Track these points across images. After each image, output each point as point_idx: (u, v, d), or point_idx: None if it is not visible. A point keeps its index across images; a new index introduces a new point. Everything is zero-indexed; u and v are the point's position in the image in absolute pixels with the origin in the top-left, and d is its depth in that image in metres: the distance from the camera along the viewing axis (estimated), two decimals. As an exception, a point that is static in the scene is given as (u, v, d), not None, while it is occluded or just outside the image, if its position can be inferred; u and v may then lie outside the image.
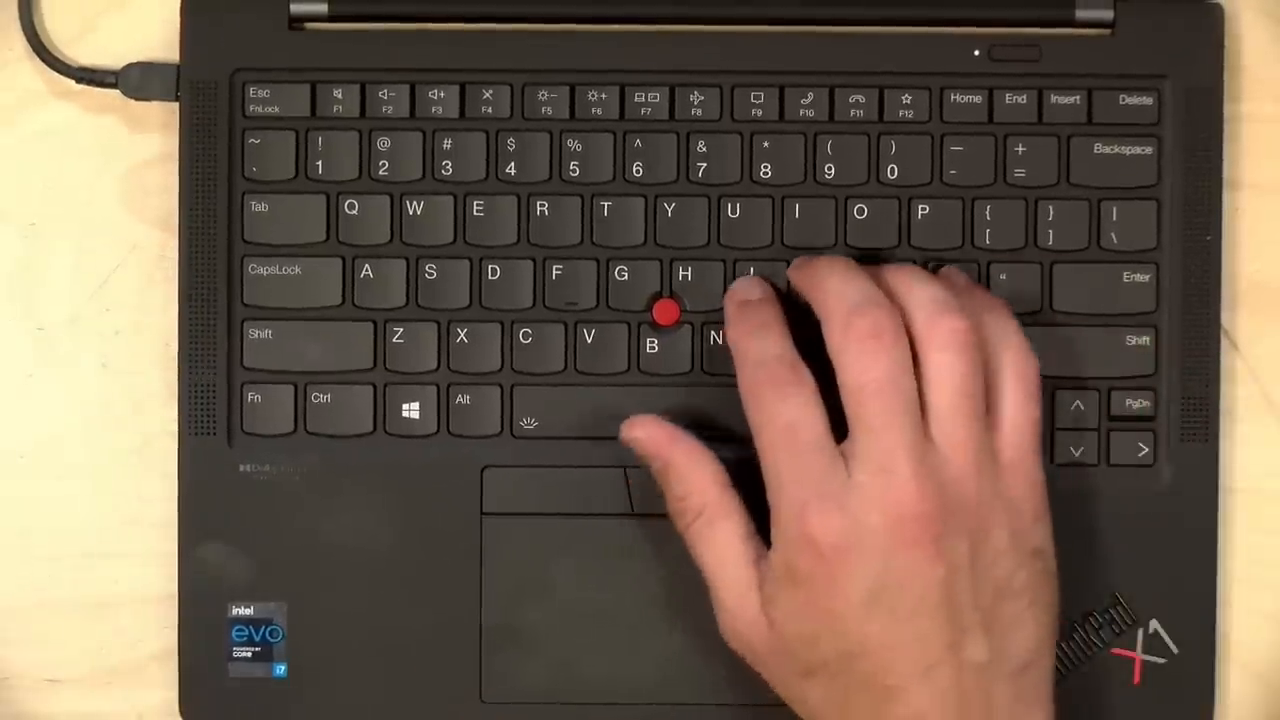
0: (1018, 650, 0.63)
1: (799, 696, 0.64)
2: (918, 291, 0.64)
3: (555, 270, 0.69)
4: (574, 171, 0.69)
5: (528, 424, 0.69)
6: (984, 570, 0.63)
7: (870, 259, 0.69)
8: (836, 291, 0.64)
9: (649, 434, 0.66)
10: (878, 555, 0.62)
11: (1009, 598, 0.63)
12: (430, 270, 0.69)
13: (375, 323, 0.69)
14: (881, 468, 0.62)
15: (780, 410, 0.63)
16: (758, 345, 0.65)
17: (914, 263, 0.69)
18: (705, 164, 0.69)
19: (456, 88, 0.69)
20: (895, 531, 0.62)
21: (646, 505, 0.69)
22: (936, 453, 0.62)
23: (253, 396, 0.69)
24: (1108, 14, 0.69)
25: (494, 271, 0.69)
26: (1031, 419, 0.64)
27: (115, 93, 0.70)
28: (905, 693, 0.62)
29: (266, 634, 0.69)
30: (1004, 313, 0.66)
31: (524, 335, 0.69)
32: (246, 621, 0.69)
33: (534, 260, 0.69)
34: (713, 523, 0.65)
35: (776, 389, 0.64)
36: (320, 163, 0.69)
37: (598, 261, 0.69)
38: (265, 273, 0.69)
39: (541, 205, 0.69)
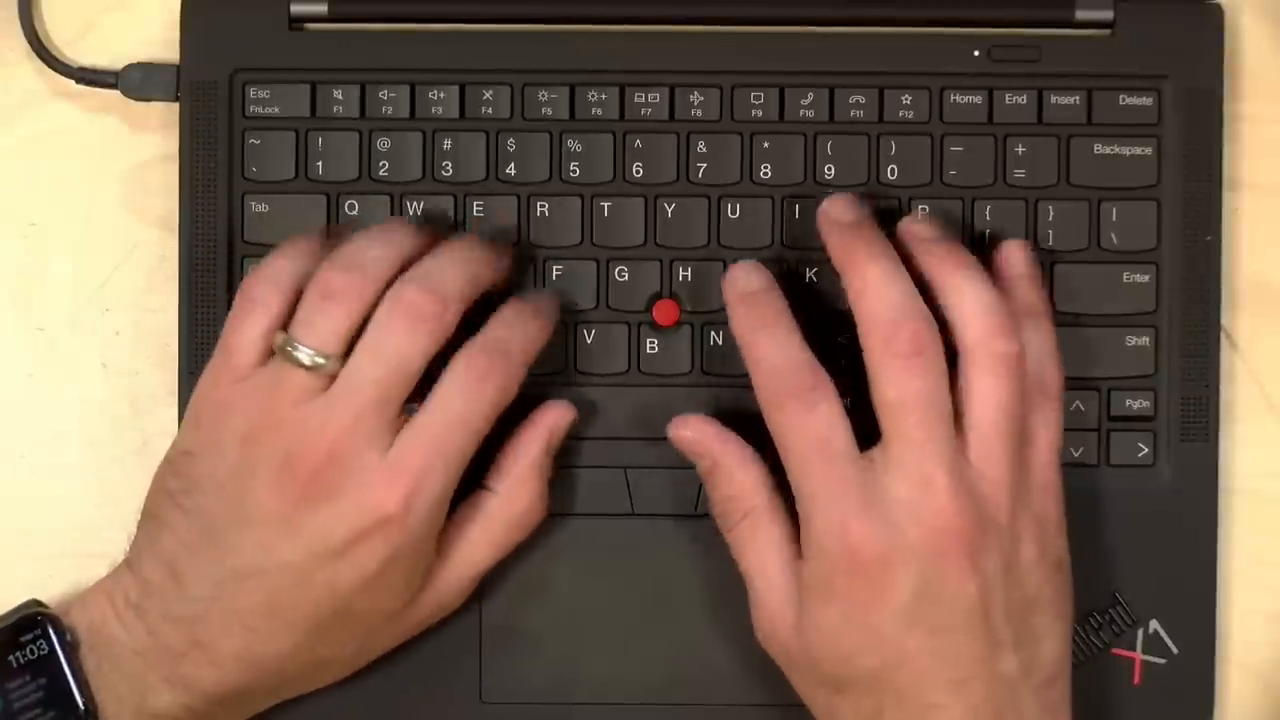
0: (1044, 663, 0.63)
1: (827, 710, 0.64)
2: (969, 299, 0.64)
3: (555, 270, 0.69)
4: (574, 171, 0.69)
5: (528, 424, 0.69)
6: (1015, 584, 0.63)
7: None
8: (876, 292, 0.63)
9: (698, 433, 0.66)
10: (916, 569, 0.62)
11: (1037, 611, 0.63)
12: (430, 270, 0.69)
13: (375, 323, 0.69)
14: (920, 481, 0.62)
15: (809, 422, 0.63)
16: (772, 348, 0.64)
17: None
18: (705, 164, 0.69)
19: (456, 88, 0.70)
20: (933, 545, 0.61)
21: (646, 505, 0.69)
22: (972, 468, 0.62)
23: (253, 396, 0.69)
24: (1107, 14, 0.69)
25: (494, 271, 0.69)
26: (1059, 437, 0.65)
27: (115, 93, 0.70)
28: (940, 707, 0.62)
29: (267, 634, 0.69)
30: (1042, 319, 0.65)
31: (524, 335, 0.69)
32: (246, 621, 0.69)
33: (535, 260, 0.69)
34: (759, 526, 0.65)
35: (801, 399, 0.63)
36: (320, 163, 0.69)
37: (598, 261, 0.69)
38: (265, 273, 0.69)
39: (541, 205, 0.69)
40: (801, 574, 0.63)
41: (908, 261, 0.65)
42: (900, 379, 0.62)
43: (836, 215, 0.66)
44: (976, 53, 0.70)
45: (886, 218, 0.69)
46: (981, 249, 0.69)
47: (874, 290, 0.63)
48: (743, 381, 0.68)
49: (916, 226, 0.66)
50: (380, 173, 0.69)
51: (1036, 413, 0.64)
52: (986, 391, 0.63)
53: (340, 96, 0.69)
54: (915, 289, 0.63)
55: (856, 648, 0.62)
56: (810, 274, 0.69)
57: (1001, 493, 0.63)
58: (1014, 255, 0.67)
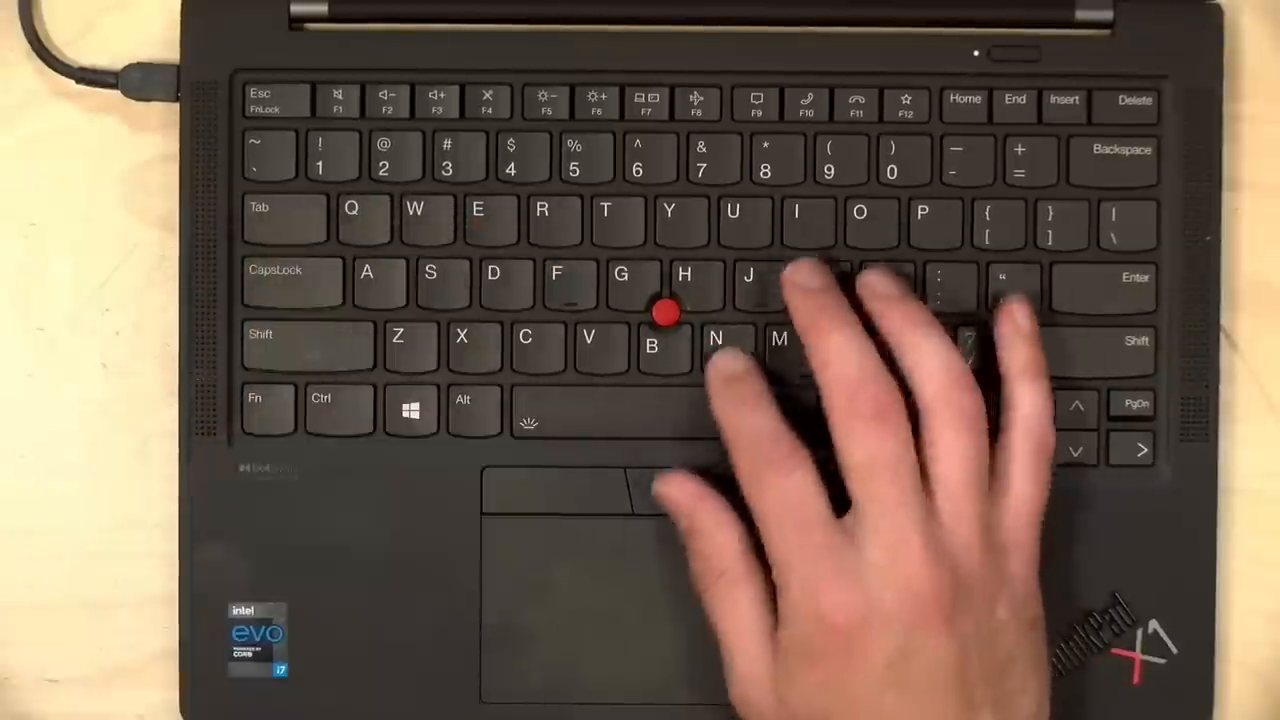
0: (1022, 717, 0.63)
1: None
2: (927, 354, 0.64)
3: (555, 270, 0.69)
4: (574, 171, 0.69)
5: (528, 424, 0.69)
6: (990, 644, 0.63)
7: (870, 259, 0.69)
8: (839, 359, 0.64)
9: (681, 491, 0.66)
10: (893, 634, 0.62)
11: (1012, 670, 0.63)
12: (430, 270, 0.69)
13: (375, 323, 0.69)
14: (893, 546, 0.62)
15: (784, 489, 0.63)
16: (749, 423, 0.65)
17: (915, 263, 0.69)
18: (705, 164, 0.69)
19: (456, 88, 0.70)
20: (909, 610, 0.62)
21: (646, 505, 0.69)
22: (943, 528, 0.63)
23: (253, 396, 0.69)
24: (1107, 14, 0.69)
25: (494, 272, 0.69)
26: (1039, 496, 0.65)
27: (115, 93, 0.70)
28: None
29: (267, 634, 0.69)
30: (1040, 378, 0.65)
31: (524, 335, 0.69)
32: (247, 621, 0.69)
33: (534, 260, 0.69)
34: (734, 586, 0.64)
35: (777, 468, 0.63)
36: (320, 163, 0.69)
37: (598, 261, 0.69)
38: (265, 273, 0.69)
39: (541, 205, 0.69)
40: (779, 640, 0.63)
41: (868, 320, 0.65)
42: (866, 442, 0.63)
43: (800, 281, 0.66)
44: (976, 53, 0.70)
45: (886, 217, 0.69)
46: (981, 249, 0.69)
47: (836, 357, 0.64)
48: (743, 381, 0.69)
49: (874, 281, 0.67)
50: (380, 173, 0.69)
51: (1026, 470, 0.64)
52: (949, 446, 0.63)
53: (340, 96, 0.69)
54: (876, 353, 0.64)
55: (835, 713, 0.62)
56: (810, 274, 0.69)
57: (974, 552, 0.63)
58: (1017, 313, 0.67)
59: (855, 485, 0.63)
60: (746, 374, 0.66)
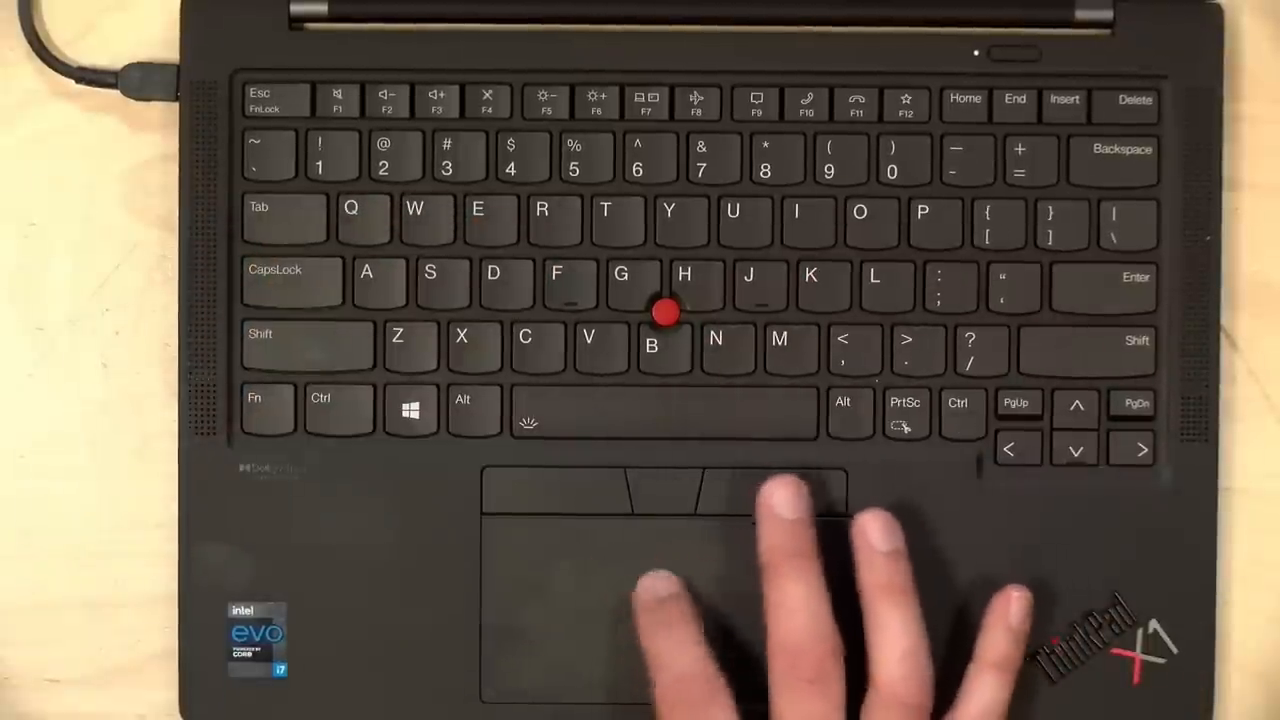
0: None
1: None
2: (889, 638, 0.64)
3: (555, 270, 0.69)
4: (574, 171, 0.69)
5: (528, 424, 0.69)
6: None
7: (870, 259, 0.69)
8: (790, 614, 0.64)
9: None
10: None
11: None
12: (430, 270, 0.69)
13: (375, 323, 0.69)
14: None
15: None
16: (672, 654, 0.65)
17: (915, 263, 0.69)
18: (705, 164, 0.69)
19: (456, 88, 0.70)
20: None
21: (646, 505, 0.69)
22: None
23: (253, 396, 0.69)
24: (1107, 14, 0.69)
25: (494, 271, 0.69)
26: None
27: (115, 93, 0.70)
28: None
29: (266, 634, 0.69)
30: (1009, 675, 0.66)
31: (524, 335, 0.69)
32: (246, 621, 0.69)
33: (534, 260, 0.69)
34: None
35: (692, 711, 0.64)
36: (320, 163, 0.69)
37: (598, 261, 0.69)
38: (265, 273, 0.69)
39: (541, 205, 0.69)
40: None
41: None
42: (799, 702, 0.64)
43: (776, 508, 0.66)
44: (976, 53, 0.70)
45: (886, 217, 0.69)
46: (981, 249, 0.69)
47: (788, 611, 0.64)
48: (740, 381, 0.69)
49: (870, 529, 0.66)
50: (380, 172, 0.69)
51: None
52: None
53: (340, 96, 0.69)
54: (829, 610, 0.64)
55: None
56: (810, 273, 0.69)
57: None
58: (1012, 606, 0.66)
59: None
60: (672, 596, 0.67)
